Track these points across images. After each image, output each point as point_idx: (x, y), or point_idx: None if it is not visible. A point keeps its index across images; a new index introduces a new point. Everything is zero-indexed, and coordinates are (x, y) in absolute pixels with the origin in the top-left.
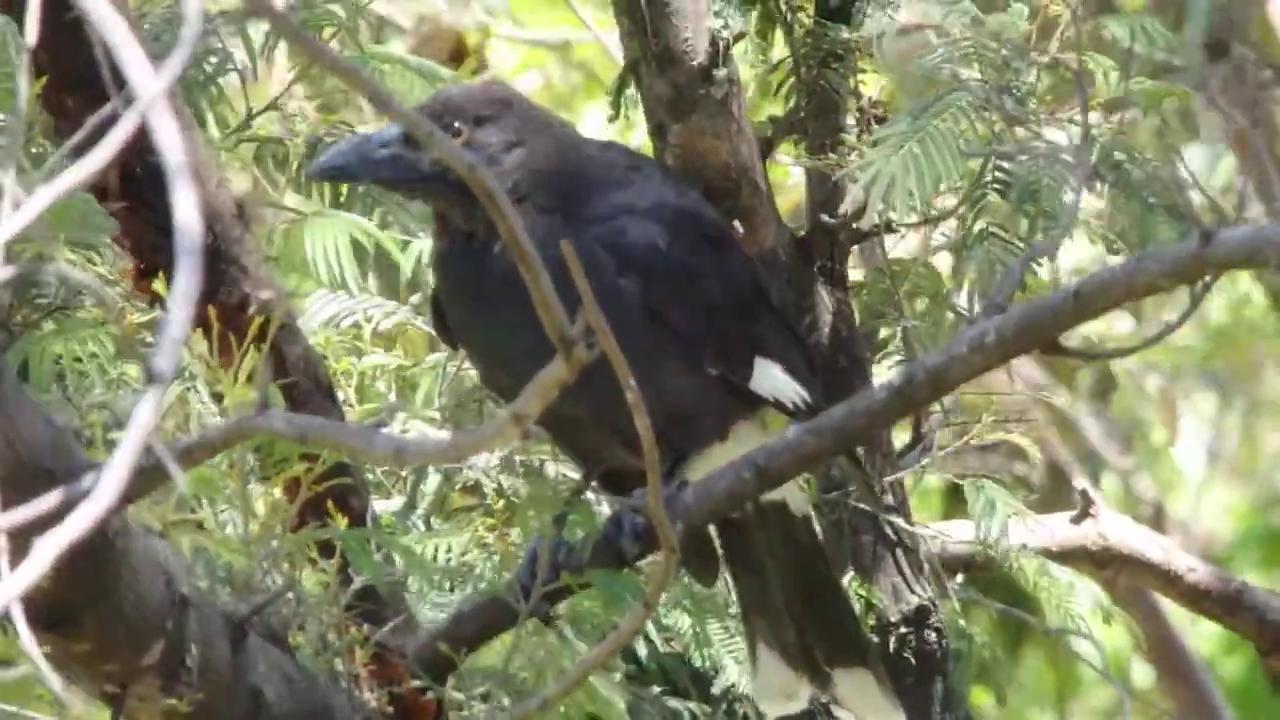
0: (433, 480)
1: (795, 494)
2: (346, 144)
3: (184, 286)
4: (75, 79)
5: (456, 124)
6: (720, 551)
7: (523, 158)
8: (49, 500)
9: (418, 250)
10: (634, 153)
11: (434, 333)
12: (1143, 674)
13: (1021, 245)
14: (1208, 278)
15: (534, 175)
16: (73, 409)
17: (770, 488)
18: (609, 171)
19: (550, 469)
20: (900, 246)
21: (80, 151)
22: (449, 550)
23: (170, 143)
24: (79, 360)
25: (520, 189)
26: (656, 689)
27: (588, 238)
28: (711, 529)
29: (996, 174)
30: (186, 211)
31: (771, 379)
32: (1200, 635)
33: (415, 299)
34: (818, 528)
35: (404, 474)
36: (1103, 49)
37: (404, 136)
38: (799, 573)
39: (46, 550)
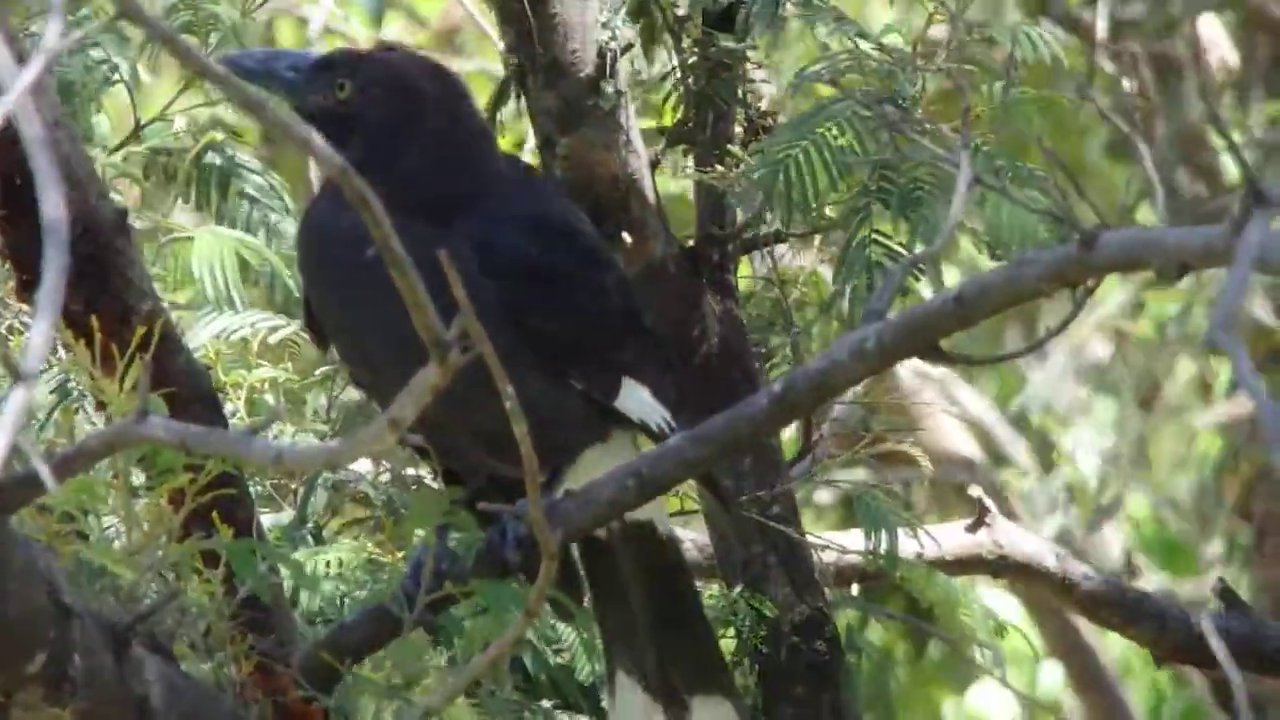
0: (322, 495)
1: (662, 514)
2: (262, 51)
3: (51, 284)
4: None
5: (341, 79)
6: (583, 574)
7: (410, 147)
8: None
9: None
10: (530, 169)
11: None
12: (1053, 681)
13: (905, 252)
14: (1090, 282)
15: (413, 172)
16: None
17: (652, 496)
18: (496, 181)
19: (436, 481)
20: (792, 257)
21: None
22: (336, 565)
23: (35, 140)
24: None
25: (394, 186)
26: (546, 702)
27: (457, 237)
28: (575, 551)
29: (881, 184)
30: (53, 209)
31: (639, 401)
32: (1117, 642)
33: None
34: (709, 541)
35: (294, 487)
36: (988, 58)
37: (315, 67)
38: (662, 596)
39: None
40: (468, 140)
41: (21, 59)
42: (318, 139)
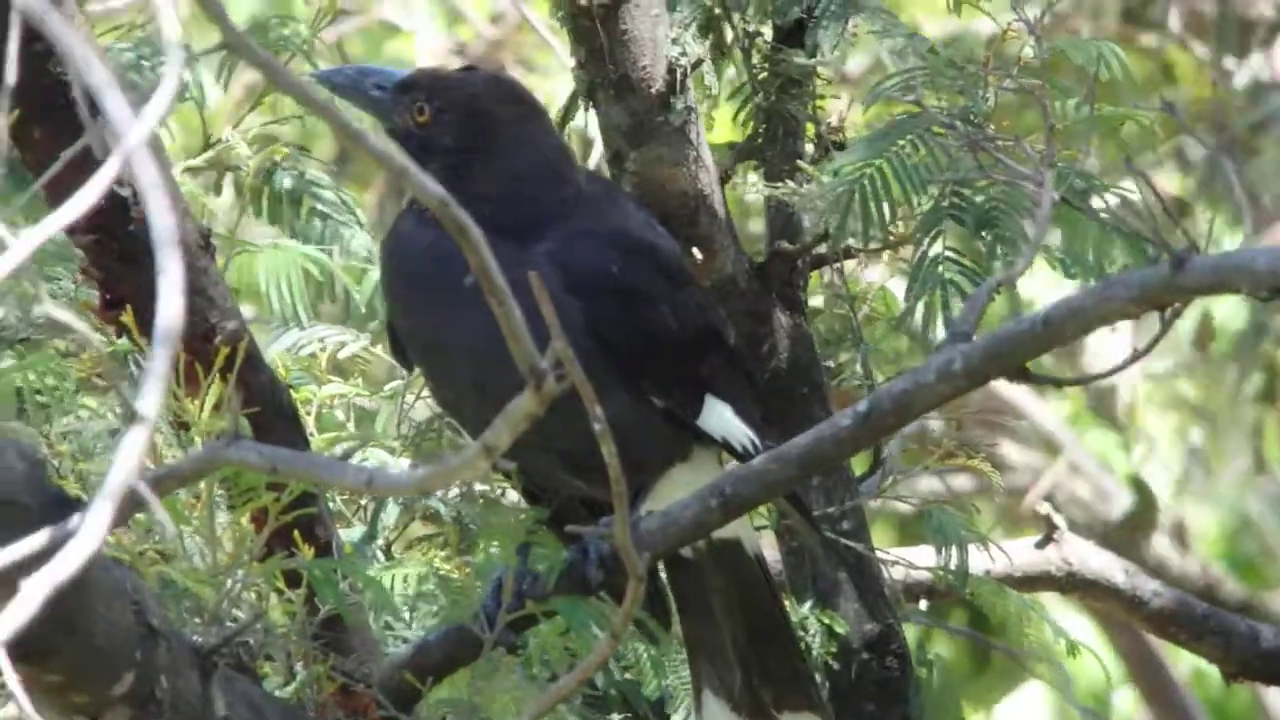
0: (393, 510)
1: (749, 532)
2: (352, 68)
3: (166, 325)
4: (41, 111)
5: (420, 102)
6: (670, 595)
7: (489, 170)
8: (36, 540)
9: (374, 281)
10: (614, 187)
11: (392, 360)
12: (1128, 701)
13: (978, 270)
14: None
15: (493, 195)
16: (40, 439)
17: (735, 516)
18: (576, 200)
19: (511, 497)
20: (861, 272)
21: (55, 185)
22: (405, 581)
23: (152, 187)
24: (39, 392)
25: (479, 205)
26: (616, 716)
27: (538, 254)
28: (660, 571)
29: (954, 200)
30: (169, 259)
31: (721, 419)
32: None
33: (373, 326)
34: (779, 557)
35: (364, 503)
36: (1064, 74)
37: (398, 87)
38: (750, 613)
39: (36, 591)
40: (546, 161)
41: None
42: (415, 169)
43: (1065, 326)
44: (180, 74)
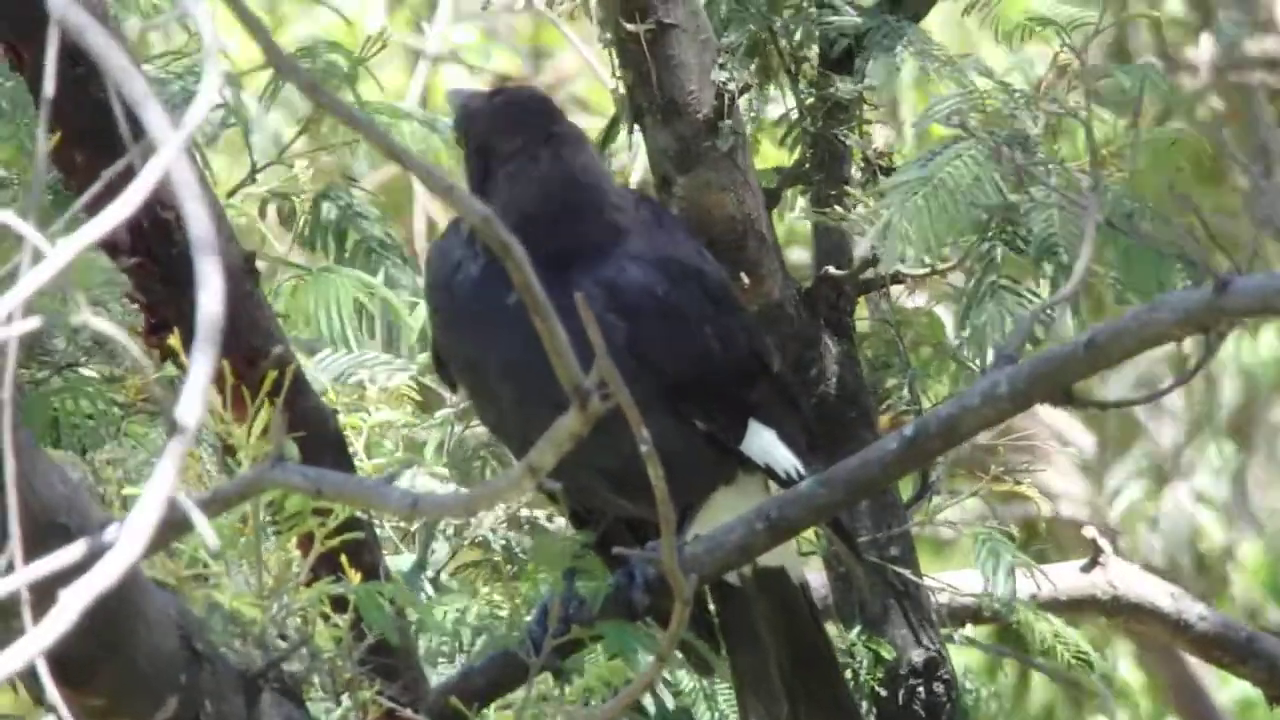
0: (443, 543)
1: (794, 560)
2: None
3: (206, 337)
4: (83, 134)
5: (454, 132)
6: (717, 624)
7: (528, 191)
8: (72, 552)
9: (422, 314)
10: (663, 211)
11: (438, 388)
12: None
13: (1033, 296)
14: (1221, 327)
15: (533, 217)
16: (85, 465)
17: (782, 540)
18: (620, 222)
19: (559, 523)
20: (909, 297)
21: (97, 205)
22: (459, 611)
23: (191, 197)
24: (90, 417)
25: (522, 225)
26: None
27: (583, 275)
28: (708, 597)
29: (1006, 226)
30: (209, 270)
31: (765, 445)
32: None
33: (423, 356)
34: (828, 586)
35: (413, 529)
36: (1112, 99)
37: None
38: (797, 643)
39: (73, 602)
40: (583, 183)
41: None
42: (459, 187)
43: (1110, 349)
44: (218, 82)
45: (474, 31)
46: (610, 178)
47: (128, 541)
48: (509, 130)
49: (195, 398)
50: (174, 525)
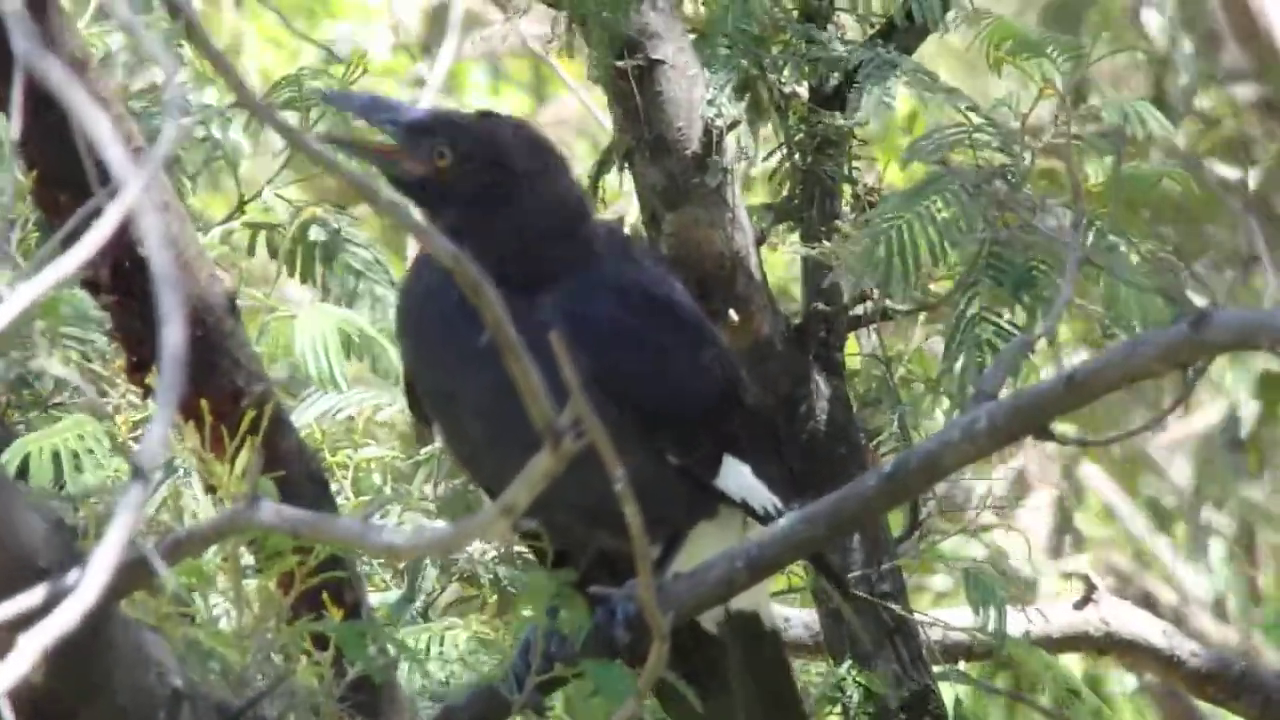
0: (430, 573)
1: (767, 604)
2: (365, 95)
3: (169, 381)
4: (65, 176)
5: (440, 146)
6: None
7: (509, 223)
8: (34, 596)
9: None
10: (630, 240)
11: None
12: None
13: (1016, 329)
14: (1200, 362)
15: (510, 245)
16: (66, 502)
17: (763, 576)
18: (592, 252)
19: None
20: (898, 334)
21: (70, 245)
22: (442, 644)
23: (154, 234)
24: (76, 455)
25: (487, 258)
26: None
27: (546, 305)
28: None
29: (991, 260)
30: (171, 308)
31: (740, 479)
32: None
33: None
34: (818, 621)
35: (400, 567)
36: (1097, 135)
37: (411, 130)
38: (767, 691)
39: (32, 646)
40: (566, 213)
41: (128, 139)
42: (430, 228)
43: (1090, 385)
44: (179, 124)
45: (483, 73)
46: (587, 207)
47: (88, 586)
48: (492, 156)
49: (155, 442)
50: (144, 567)
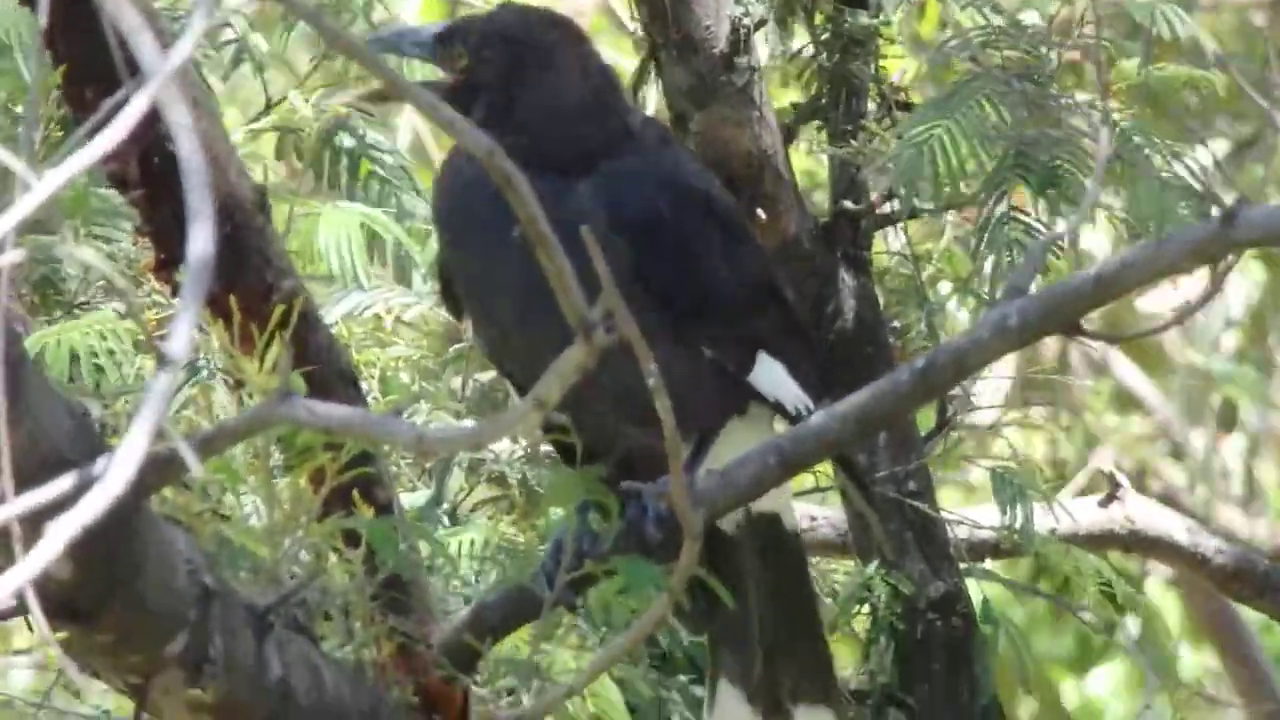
0: (457, 475)
1: (789, 506)
2: (390, 30)
3: (197, 275)
4: (93, 71)
5: (459, 47)
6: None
7: (532, 101)
8: (60, 485)
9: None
10: (669, 133)
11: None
12: (1201, 659)
13: (1043, 228)
14: (1230, 258)
15: (541, 126)
16: (95, 398)
17: (794, 474)
18: (628, 135)
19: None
20: (924, 232)
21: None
22: (473, 544)
23: (182, 126)
24: (95, 355)
25: (520, 142)
26: (683, 677)
27: (584, 192)
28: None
29: (1018, 159)
30: (199, 202)
31: (773, 377)
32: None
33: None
34: (846, 521)
35: (428, 466)
36: (1125, 35)
37: (436, 42)
38: (783, 594)
39: (59, 535)
40: (592, 89)
41: (160, 38)
42: (463, 120)
43: (1118, 282)
44: (209, 12)
45: None
46: (614, 84)
47: (114, 475)
48: (504, 39)
49: (183, 332)
50: (174, 462)
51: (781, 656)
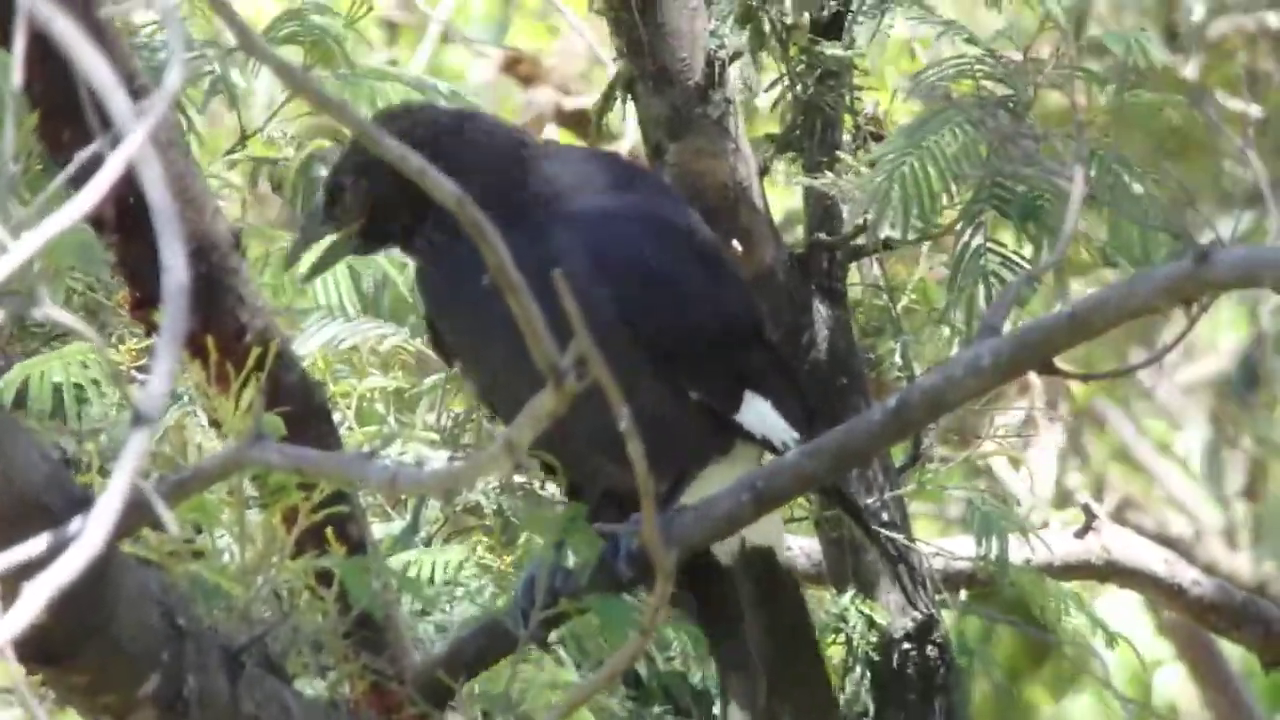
0: (435, 504)
1: (781, 540)
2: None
3: (172, 328)
4: (68, 112)
5: (353, 194)
6: (699, 604)
7: (489, 151)
8: (38, 544)
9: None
10: (632, 165)
11: (432, 353)
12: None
13: (1020, 259)
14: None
15: (491, 184)
16: (69, 435)
17: (768, 510)
18: (589, 179)
19: (549, 490)
20: (900, 263)
21: (74, 185)
22: (445, 568)
23: (156, 191)
24: (79, 386)
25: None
26: (658, 709)
27: (562, 239)
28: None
29: (995, 190)
30: (174, 257)
31: (760, 415)
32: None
33: (414, 319)
34: (820, 547)
35: (404, 497)
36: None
37: (323, 210)
38: (780, 628)
39: (37, 595)
40: (541, 147)
41: (131, 79)
42: (432, 169)
43: (1092, 320)
44: (181, 74)
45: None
46: (570, 150)
47: (91, 534)
48: (414, 134)
49: (158, 389)
50: (147, 508)
51: (783, 687)
